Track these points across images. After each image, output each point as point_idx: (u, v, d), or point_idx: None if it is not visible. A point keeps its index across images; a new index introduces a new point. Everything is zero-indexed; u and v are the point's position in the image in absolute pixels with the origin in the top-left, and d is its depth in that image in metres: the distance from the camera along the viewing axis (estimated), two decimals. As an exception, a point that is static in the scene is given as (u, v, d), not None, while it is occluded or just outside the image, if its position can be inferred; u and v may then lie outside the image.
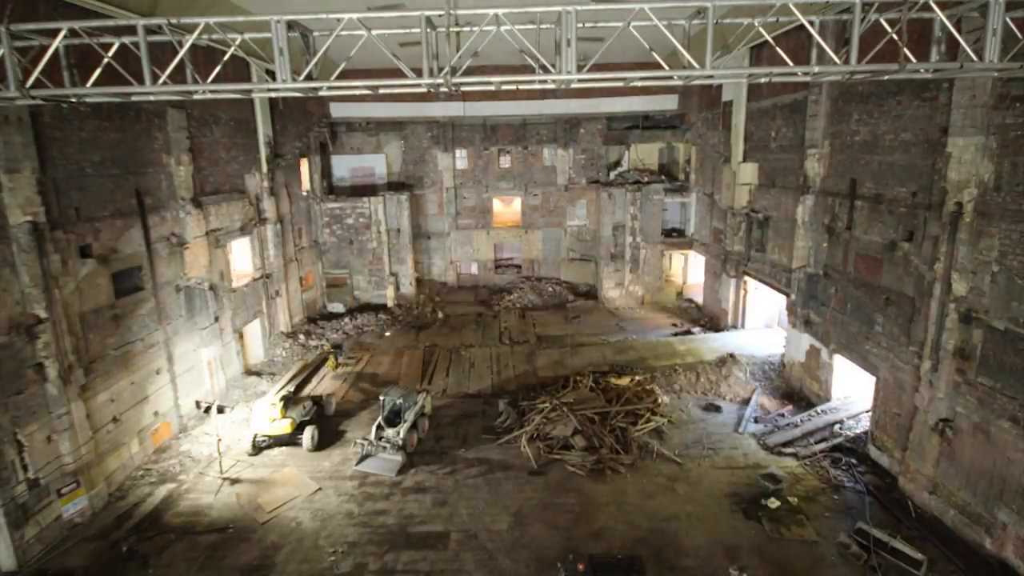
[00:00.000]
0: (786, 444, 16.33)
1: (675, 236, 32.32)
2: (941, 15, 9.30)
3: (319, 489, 14.66)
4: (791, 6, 9.15)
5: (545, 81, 10.09)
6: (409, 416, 16.27)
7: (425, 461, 15.99)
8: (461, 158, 34.35)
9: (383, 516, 13.66)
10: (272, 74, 9.55)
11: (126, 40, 9.57)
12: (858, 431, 16.54)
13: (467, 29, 9.83)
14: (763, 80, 11.24)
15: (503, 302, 31.55)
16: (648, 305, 31.20)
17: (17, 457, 12.02)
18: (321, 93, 10.69)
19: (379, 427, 16.04)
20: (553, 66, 9.73)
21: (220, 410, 17.29)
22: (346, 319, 28.38)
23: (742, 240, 24.16)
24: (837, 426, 16.87)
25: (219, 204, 20.28)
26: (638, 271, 31.75)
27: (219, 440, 15.87)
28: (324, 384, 21.29)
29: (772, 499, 13.67)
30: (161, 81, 9.56)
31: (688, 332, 26.39)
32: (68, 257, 13.43)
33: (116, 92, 9.88)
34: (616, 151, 34.22)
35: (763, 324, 24.92)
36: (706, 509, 13.83)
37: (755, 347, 23.07)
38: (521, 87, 11.17)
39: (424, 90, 10.33)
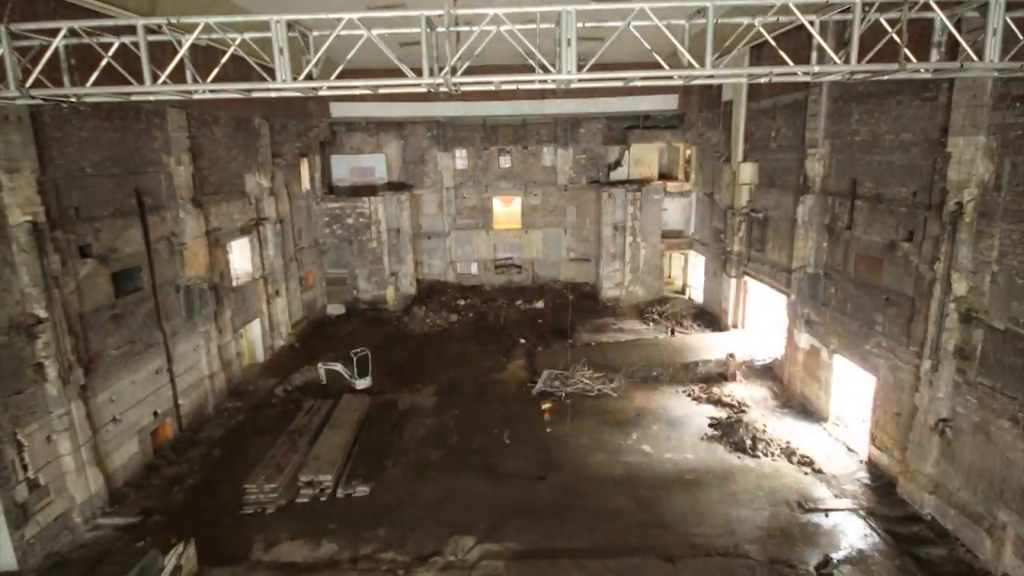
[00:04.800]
0: None
1: (675, 236, 32.33)
2: (941, 15, 9.29)
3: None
4: (791, 6, 9.14)
5: (545, 81, 10.08)
6: None
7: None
8: (461, 158, 34.34)
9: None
10: (272, 73, 9.55)
11: (126, 40, 9.56)
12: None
13: (467, 29, 9.83)
14: (763, 80, 11.23)
15: (502, 303, 31.50)
16: (648, 305, 31.18)
17: (17, 457, 12.00)
18: (321, 93, 10.67)
19: None
20: (553, 66, 9.73)
21: None
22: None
23: (742, 240, 24.18)
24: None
25: (219, 204, 20.27)
26: (638, 271, 31.75)
27: None
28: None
29: None
30: (161, 81, 9.55)
31: (687, 332, 26.40)
32: (68, 257, 13.41)
33: (116, 92, 9.87)
34: (616, 151, 34.21)
35: (763, 324, 24.94)
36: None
37: (755, 347, 23.10)
38: (521, 87, 11.15)
39: (424, 90, 10.31)
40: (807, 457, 15.68)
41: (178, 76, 9.85)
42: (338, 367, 20.52)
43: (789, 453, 15.94)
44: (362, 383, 20.65)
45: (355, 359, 20.68)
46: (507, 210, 36.22)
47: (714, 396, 19.64)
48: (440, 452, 16.69)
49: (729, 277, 25.45)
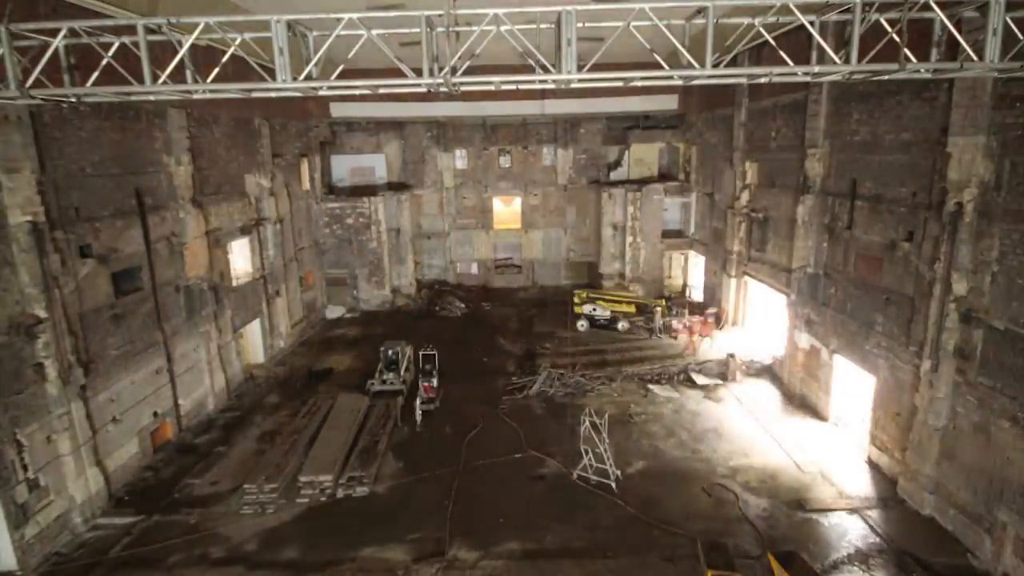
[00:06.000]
0: None
1: (675, 236, 32.34)
2: (941, 15, 9.29)
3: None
4: (791, 6, 9.14)
5: (545, 81, 10.08)
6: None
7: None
8: (461, 158, 34.38)
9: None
10: (272, 73, 9.55)
11: (126, 40, 9.56)
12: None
13: (467, 29, 9.83)
14: (763, 80, 11.23)
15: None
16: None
17: (17, 457, 12.01)
18: (321, 93, 10.68)
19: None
20: (553, 66, 9.73)
21: None
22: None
23: (742, 240, 24.18)
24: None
25: (219, 204, 20.27)
26: (638, 271, 31.76)
27: None
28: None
29: None
30: (161, 81, 9.55)
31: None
32: (68, 257, 13.41)
33: (116, 92, 9.87)
34: (616, 151, 34.25)
35: (763, 324, 24.92)
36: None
37: (755, 347, 23.09)
38: (521, 87, 11.16)
39: (424, 90, 10.33)
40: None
41: (178, 76, 9.86)
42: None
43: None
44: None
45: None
46: (507, 210, 36.24)
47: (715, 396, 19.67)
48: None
49: (729, 277, 25.46)
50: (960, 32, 9.79)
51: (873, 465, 15.37)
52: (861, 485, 14.63)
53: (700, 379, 20.84)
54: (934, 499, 13.20)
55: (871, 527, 13.00)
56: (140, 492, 14.97)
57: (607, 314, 26.75)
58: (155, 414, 16.58)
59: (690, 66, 9.53)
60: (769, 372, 21.39)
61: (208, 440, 17.61)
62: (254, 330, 23.49)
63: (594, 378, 21.09)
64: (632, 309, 27.30)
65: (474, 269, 35.79)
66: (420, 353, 20.28)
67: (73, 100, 10.14)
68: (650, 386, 20.58)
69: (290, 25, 9.33)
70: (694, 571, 11.78)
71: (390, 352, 20.87)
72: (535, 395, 20.18)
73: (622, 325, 26.47)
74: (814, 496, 14.17)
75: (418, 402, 18.60)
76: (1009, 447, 11.25)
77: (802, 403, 18.85)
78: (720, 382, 20.67)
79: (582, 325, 26.75)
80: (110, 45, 9.57)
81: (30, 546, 12.18)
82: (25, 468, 12.22)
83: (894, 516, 13.38)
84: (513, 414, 18.90)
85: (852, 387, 17.20)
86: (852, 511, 13.59)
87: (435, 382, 19.58)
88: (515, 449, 16.69)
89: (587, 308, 26.88)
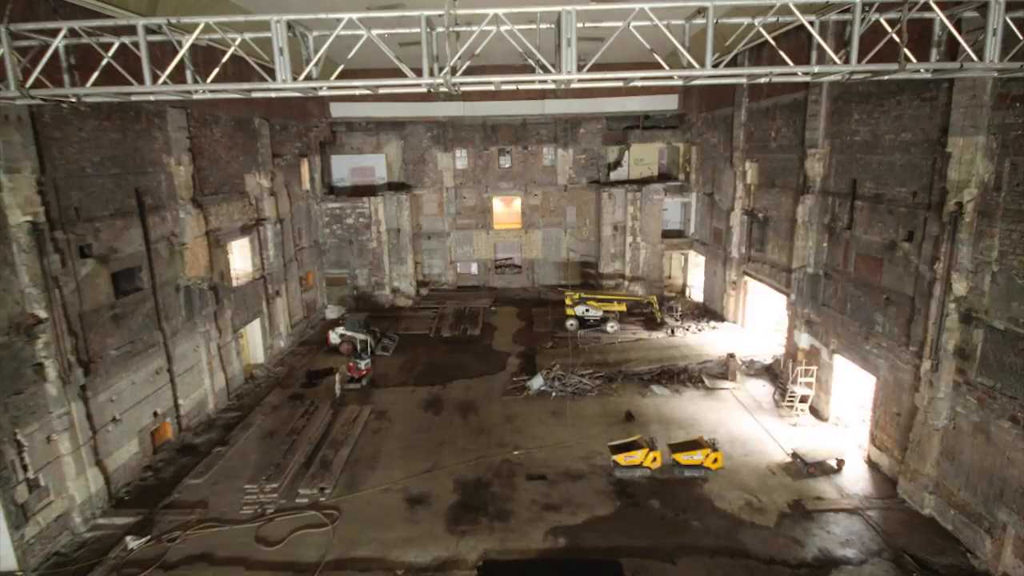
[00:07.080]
0: None
1: (675, 236, 32.35)
2: (941, 15, 9.30)
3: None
4: (791, 6, 9.15)
5: (545, 81, 10.09)
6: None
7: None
8: (461, 158, 34.39)
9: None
10: (272, 73, 9.56)
11: (126, 40, 9.57)
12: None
13: (467, 29, 9.84)
14: (763, 80, 11.23)
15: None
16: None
17: (17, 457, 12.01)
18: (321, 93, 10.69)
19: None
20: (553, 66, 9.73)
21: None
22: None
23: (742, 240, 24.19)
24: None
25: (219, 204, 20.27)
26: (638, 271, 31.76)
27: None
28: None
29: None
30: (161, 81, 9.55)
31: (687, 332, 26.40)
32: (68, 257, 13.42)
33: (116, 92, 9.88)
34: (616, 151, 34.26)
35: (763, 324, 24.94)
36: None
37: (755, 347, 23.09)
38: (521, 87, 11.17)
39: (424, 90, 10.33)
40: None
41: (178, 76, 9.86)
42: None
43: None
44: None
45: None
46: (507, 210, 36.24)
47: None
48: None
49: (729, 277, 25.47)
50: (960, 32, 9.81)
51: (873, 465, 15.37)
52: (861, 485, 14.63)
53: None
54: (934, 499, 13.20)
55: (871, 527, 13.01)
56: (140, 492, 14.98)
57: (598, 315, 26.99)
58: (155, 414, 16.58)
59: (690, 66, 9.54)
60: (769, 372, 21.39)
61: (208, 440, 17.61)
62: (254, 330, 23.48)
63: (595, 377, 21.08)
64: (623, 308, 27.57)
65: (474, 269, 35.80)
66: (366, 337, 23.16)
67: (73, 100, 10.14)
68: (651, 386, 20.58)
69: (290, 25, 9.34)
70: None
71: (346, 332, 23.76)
72: (534, 394, 20.18)
73: (611, 327, 26.55)
74: (814, 496, 14.17)
75: (337, 377, 20.77)
76: (1009, 447, 11.25)
77: (801, 403, 18.81)
78: (720, 382, 20.67)
79: (571, 324, 26.92)
80: (110, 45, 9.58)
81: (30, 546, 12.18)
82: (25, 468, 12.21)
83: (894, 516, 13.38)
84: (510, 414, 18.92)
85: (852, 387, 17.19)
86: (852, 511, 13.59)
87: (363, 364, 21.66)
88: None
89: (579, 309, 27.08)
